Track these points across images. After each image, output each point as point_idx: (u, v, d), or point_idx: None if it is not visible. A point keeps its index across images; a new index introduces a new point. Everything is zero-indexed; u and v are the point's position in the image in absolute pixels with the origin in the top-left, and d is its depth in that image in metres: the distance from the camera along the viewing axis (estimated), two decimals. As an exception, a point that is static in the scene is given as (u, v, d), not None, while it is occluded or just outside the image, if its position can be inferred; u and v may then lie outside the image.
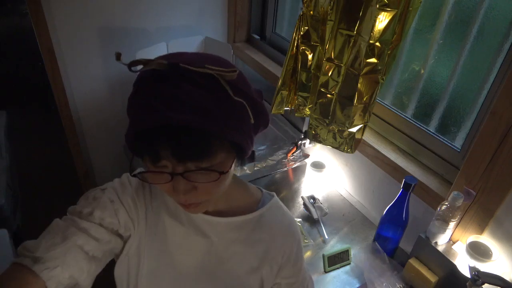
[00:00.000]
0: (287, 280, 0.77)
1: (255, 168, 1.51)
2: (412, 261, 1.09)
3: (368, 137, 1.33)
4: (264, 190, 0.78)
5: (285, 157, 1.57)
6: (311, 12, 1.17)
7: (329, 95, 1.21)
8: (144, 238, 0.68)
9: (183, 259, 0.69)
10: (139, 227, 0.67)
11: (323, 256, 1.15)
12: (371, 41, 1.02)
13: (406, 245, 1.20)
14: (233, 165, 0.60)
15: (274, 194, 0.78)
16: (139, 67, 0.53)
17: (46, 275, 0.54)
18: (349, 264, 1.18)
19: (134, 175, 0.57)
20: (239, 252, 0.71)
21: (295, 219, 1.31)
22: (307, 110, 1.36)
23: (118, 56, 0.54)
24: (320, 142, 1.36)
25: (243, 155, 0.60)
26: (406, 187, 1.06)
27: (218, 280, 0.71)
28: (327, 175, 1.53)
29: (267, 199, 0.75)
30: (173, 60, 0.52)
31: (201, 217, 0.68)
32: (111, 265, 0.70)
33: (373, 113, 1.33)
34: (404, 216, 1.11)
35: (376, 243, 1.23)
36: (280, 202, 0.78)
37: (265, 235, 0.72)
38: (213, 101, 0.52)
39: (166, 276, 0.69)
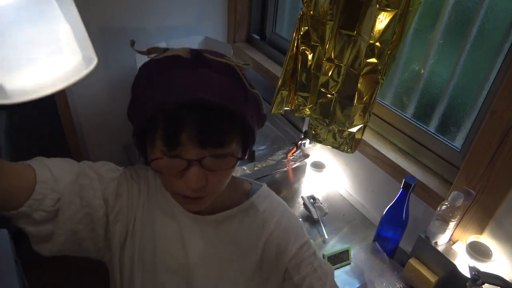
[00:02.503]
0: (292, 262, 0.70)
1: (255, 168, 1.51)
2: (412, 261, 1.09)
3: (368, 137, 1.33)
4: (254, 182, 0.77)
5: (285, 157, 1.57)
6: (311, 12, 1.17)
7: (329, 95, 1.21)
8: (137, 233, 0.68)
9: (178, 255, 0.69)
10: (135, 221, 0.67)
11: (323, 256, 1.16)
12: (371, 41, 1.02)
13: (406, 245, 1.20)
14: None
15: (264, 184, 0.77)
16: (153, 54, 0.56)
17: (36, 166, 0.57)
18: (349, 264, 1.18)
19: (149, 163, 0.57)
20: (232, 241, 0.71)
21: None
22: (307, 110, 1.36)
23: (132, 43, 0.57)
24: (320, 142, 1.36)
25: (250, 147, 0.62)
26: (406, 187, 1.06)
27: (216, 268, 0.70)
28: (327, 175, 1.53)
29: (256, 190, 0.75)
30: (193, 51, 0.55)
31: (191, 216, 0.69)
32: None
33: (373, 113, 1.33)
34: (404, 216, 1.11)
35: (376, 243, 1.23)
36: (270, 191, 0.77)
37: (255, 222, 0.72)
38: (234, 88, 0.56)
39: (163, 273, 0.69)
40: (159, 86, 0.55)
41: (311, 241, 0.75)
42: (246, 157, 0.64)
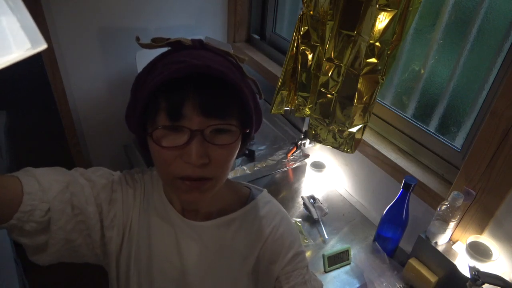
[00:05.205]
0: (284, 270, 0.71)
1: (255, 168, 1.51)
2: (412, 261, 1.09)
3: (368, 137, 1.33)
4: (252, 187, 0.77)
5: (285, 157, 1.57)
6: (311, 12, 1.17)
7: (329, 95, 1.21)
8: (134, 237, 0.67)
9: (174, 259, 0.68)
10: (131, 225, 0.67)
11: (323, 256, 1.16)
12: (371, 41, 1.02)
13: (406, 245, 1.20)
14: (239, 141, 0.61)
15: (264, 189, 0.76)
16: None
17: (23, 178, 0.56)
18: (349, 264, 1.18)
19: (150, 134, 0.55)
20: (229, 246, 0.70)
21: (295, 219, 1.32)
22: (307, 110, 1.36)
23: (137, 39, 0.61)
24: (320, 142, 1.36)
25: (249, 130, 0.61)
26: (406, 187, 1.06)
27: (212, 274, 0.70)
28: (327, 175, 1.53)
29: (255, 195, 0.74)
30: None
31: (188, 222, 0.68)
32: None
33: (373, 113, 1.33)
34: (404, 216, 1.11)
35: (376, 243, 1.23)
36: (270, 197, 0.76)
37: (253, 227, 0.71)
38: (233, 68, 0.59)
39: (159, 277, 0.68)
40: (161, 67, 0.56)
41: (306, 254, 0.75)
42: (247, 152, 0.64)
